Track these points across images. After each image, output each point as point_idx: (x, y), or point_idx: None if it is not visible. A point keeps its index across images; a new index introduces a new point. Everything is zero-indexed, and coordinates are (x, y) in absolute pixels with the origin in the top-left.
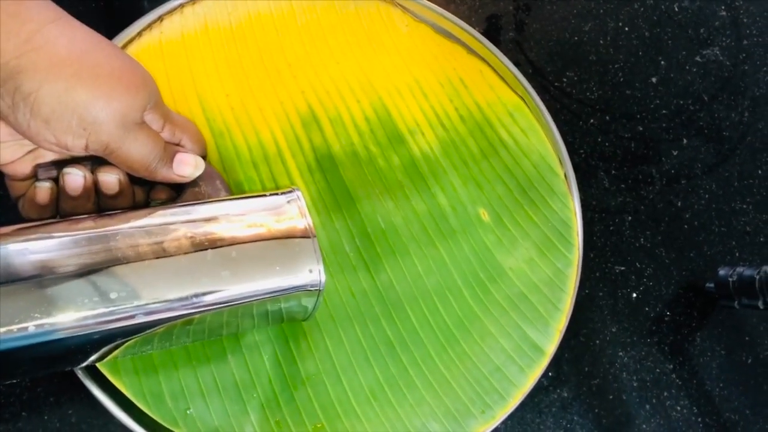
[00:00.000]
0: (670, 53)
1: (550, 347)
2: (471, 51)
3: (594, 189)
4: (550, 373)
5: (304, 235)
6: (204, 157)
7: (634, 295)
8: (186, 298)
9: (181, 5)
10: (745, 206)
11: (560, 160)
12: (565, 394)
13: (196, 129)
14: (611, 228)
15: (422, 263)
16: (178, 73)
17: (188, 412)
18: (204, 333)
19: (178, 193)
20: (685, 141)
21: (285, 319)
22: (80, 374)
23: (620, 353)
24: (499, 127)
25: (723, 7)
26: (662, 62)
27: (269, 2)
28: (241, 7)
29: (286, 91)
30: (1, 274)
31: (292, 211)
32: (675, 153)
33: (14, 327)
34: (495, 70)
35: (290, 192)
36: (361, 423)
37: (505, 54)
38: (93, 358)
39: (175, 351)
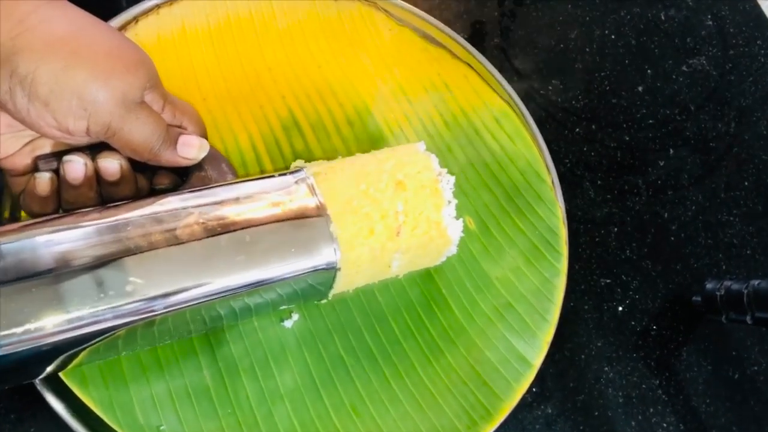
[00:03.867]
0: (657, 62)
1: (538, 360)
2: (455, 56)
3: (579, 199)
4: (534, 389)
5: (317, 214)
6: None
7: (620, 308)
8: (203, 285)
9: (157, 6)
10: (731, 218)
11: (547, 168)
12: (550, 411)
13: (196, 112)
14: (597, 239)
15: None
16: None
17: (161, 428)
18: (221, 318)
19: (182, 178)
20: (671, 151)
21: (302, 300)
22: (43, 390)
23: (606, 368)
24: (485, 133)
25: (709, 17)
26: (649, 71)
27: (249, 4)
28: (220, 8)
29: (266, 95)
30: (11, 271)
31: (302, 191)
32: (661, 163)
33: (31, 326)
34: (480, 75)
35: (298, 171)
36: None
37: (490, 61)
38: (107, 353)
39: (147, 364)
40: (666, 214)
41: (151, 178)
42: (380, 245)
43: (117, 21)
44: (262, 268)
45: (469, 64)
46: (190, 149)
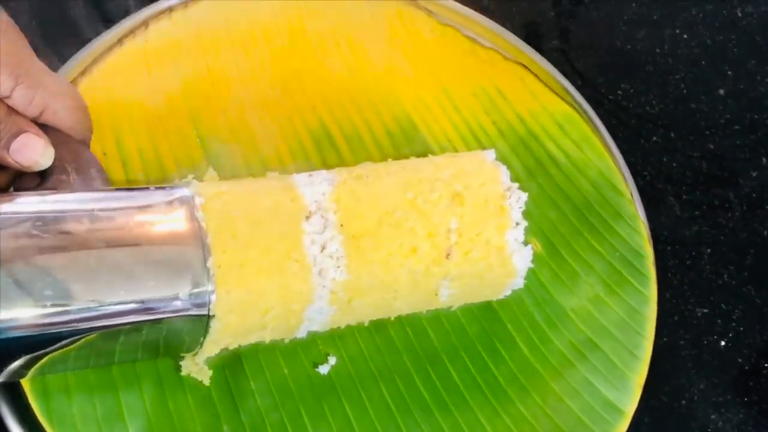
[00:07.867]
0: (738, 62)
1: (630, 406)
2: (508, 57)
3: (664, 217)
4: None
5: (192, 243)
6: (88, 138)
7: (723, 342)
8: (19, 319)
9: (170, 8)
10: None
11: (623, 178)
12: None
13: (74, 99)
14: (688, 263)
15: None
16: (166, 87)
17: None
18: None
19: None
20: (764, 160)
21: (161, 351)
22: None
23: (713, 416)
24: (548, 141)
25: None
26: (729, 72)
27: (273, 7)
28: (240, 12)
29: (294, 105)
30: None
31: (180, 212)
32: (754, 174)
33: None
34: (538, 77)
35: (181, 188)
36: None
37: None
38: None
39: (155, 418)
40: (765, 232)
41: (15, 176)
42: (424, 268)
43: (125, 25)
44: (103, 303)
45: (524, 65)
46: (28, 152)
